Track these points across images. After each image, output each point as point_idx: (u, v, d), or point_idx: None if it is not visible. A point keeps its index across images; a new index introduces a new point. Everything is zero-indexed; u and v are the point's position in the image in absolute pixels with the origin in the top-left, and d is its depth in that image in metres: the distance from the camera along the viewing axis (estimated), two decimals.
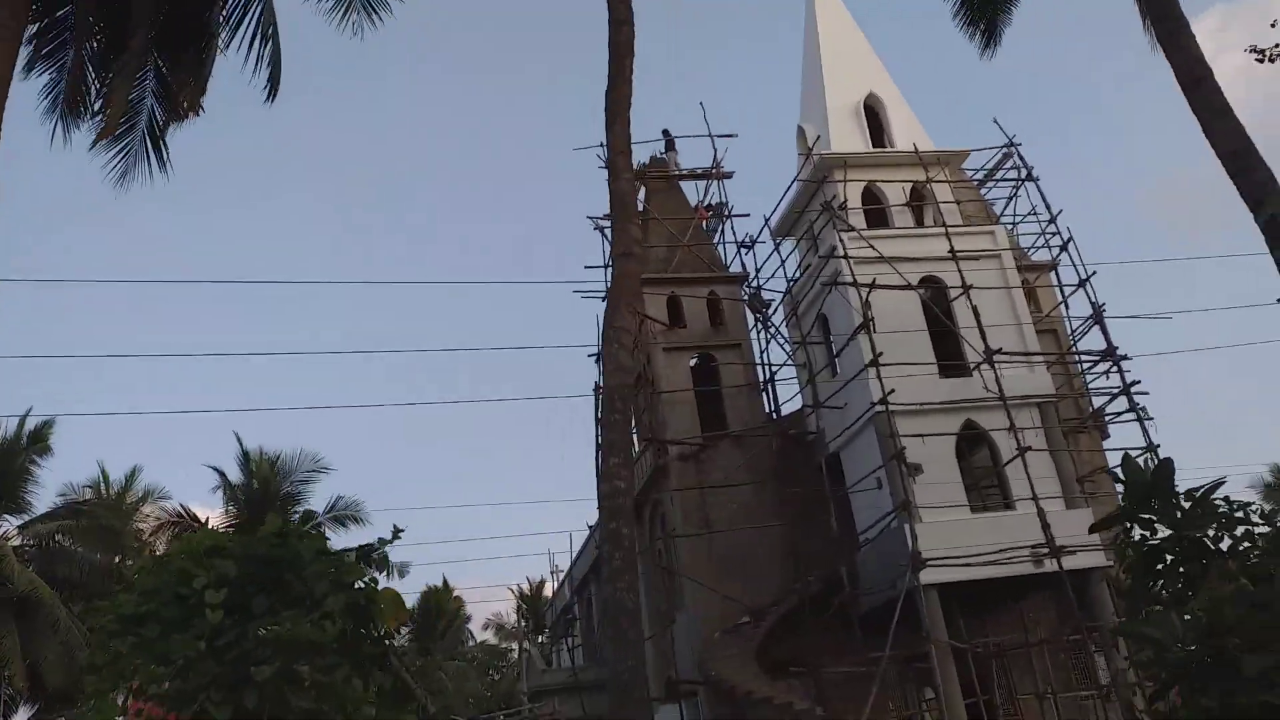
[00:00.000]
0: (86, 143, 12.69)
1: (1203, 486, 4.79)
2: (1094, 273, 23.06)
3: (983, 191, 26.14)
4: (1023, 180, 24.12)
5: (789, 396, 26.40)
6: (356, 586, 5.33)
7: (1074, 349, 23.83)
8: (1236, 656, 3.98)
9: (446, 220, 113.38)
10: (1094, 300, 22.39)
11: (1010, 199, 24.65)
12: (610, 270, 11.22)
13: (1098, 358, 22.46)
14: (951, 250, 21.42)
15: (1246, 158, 9.36)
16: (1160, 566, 4.69)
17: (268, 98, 12.76)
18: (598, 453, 26.31)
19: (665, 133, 28.80)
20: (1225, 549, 4.62)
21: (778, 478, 23.03)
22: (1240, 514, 4.73)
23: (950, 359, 21.66)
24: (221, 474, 31.12)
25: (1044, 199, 23.75)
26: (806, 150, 24.43)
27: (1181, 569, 4.61)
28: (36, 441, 29.54)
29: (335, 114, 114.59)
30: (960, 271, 21.21)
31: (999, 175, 25.72)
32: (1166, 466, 4.99)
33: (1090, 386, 23.92)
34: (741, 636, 20.63)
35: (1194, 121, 10.06)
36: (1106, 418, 23.75)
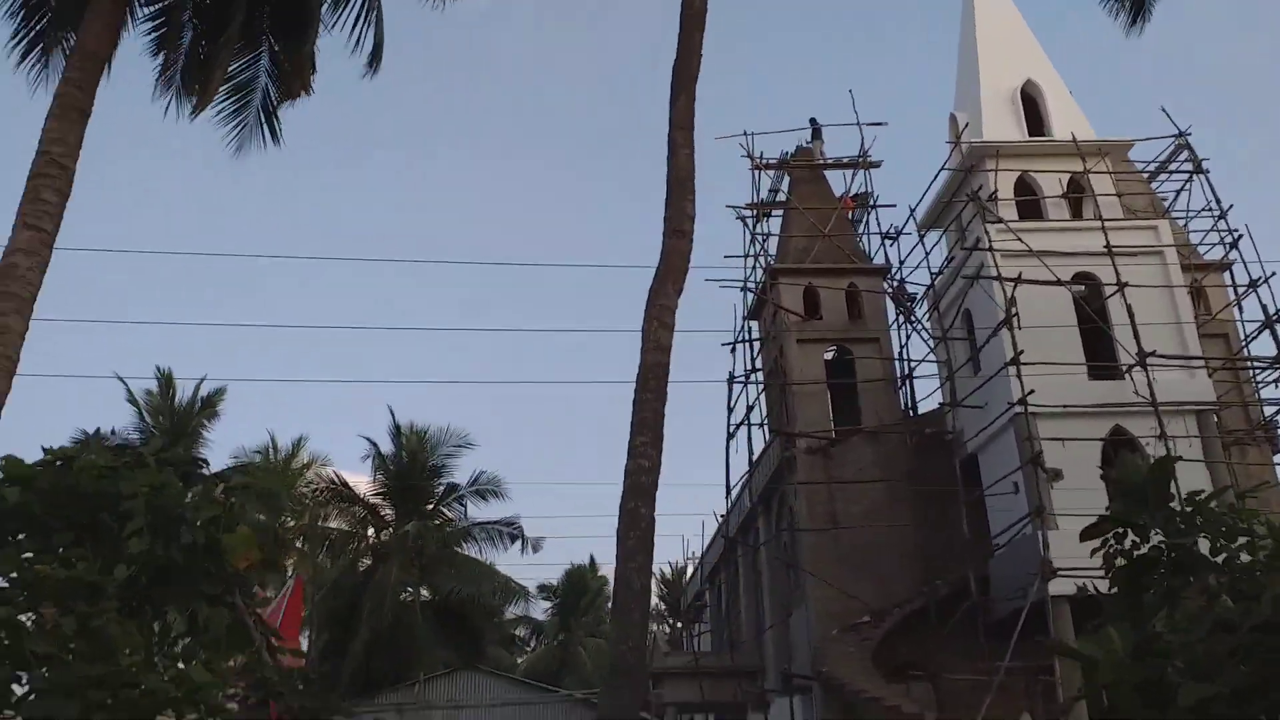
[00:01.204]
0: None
1: (1205, 493, 4.33)
2: (1274, 273, 21.31)
3: (1154, 185, 24.58)
4: (1192, 173, 22.48)
5: (927, 394, 25.66)
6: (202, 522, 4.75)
7: (1245, 354, 22.09)
8: (1173, 684, 3.57)
9: (583, 200, 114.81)
10: (1264, 303, 20.68)
11: (1179, 193, 23.01)
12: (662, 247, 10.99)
13: (1267, 364, 20.72)
14: (1107, 245, 20.19)
15: None
16: (1148, 579, 4.26)
17: (368, 73, 13.43)
18: (727, 442, 26.60)
19: (812, 121, 28.41)
20: (1222, 563, 4.15)
21: (911, 477, 22.37)
22: (1244, 524, 4.25)
23: (1102, 360, 20.47)
24: (374, 444, 32.75)
25: (1214, 193, 22.08)
26: (957, 139, 23.53)
27: (1168, 583, 4.18)
28: (208, 406, 31.85)
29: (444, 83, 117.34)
30: (1116, 268, 19.96)
31: (1171, 168, 24.15)
32: (1164, 466, 4.56)
33: (1262, 395, 22.14)
34: (860, 635, 20.18)
35: None
36: (1278, 430, 21.95)
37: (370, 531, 34.40)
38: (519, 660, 49.41)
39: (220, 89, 13.96)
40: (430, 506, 32.84)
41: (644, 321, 10.58)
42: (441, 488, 32.94)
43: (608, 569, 62.21)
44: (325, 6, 13.07)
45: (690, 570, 40.43)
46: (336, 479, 33.36)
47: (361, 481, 34.12)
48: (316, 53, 14.05)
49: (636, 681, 9.04)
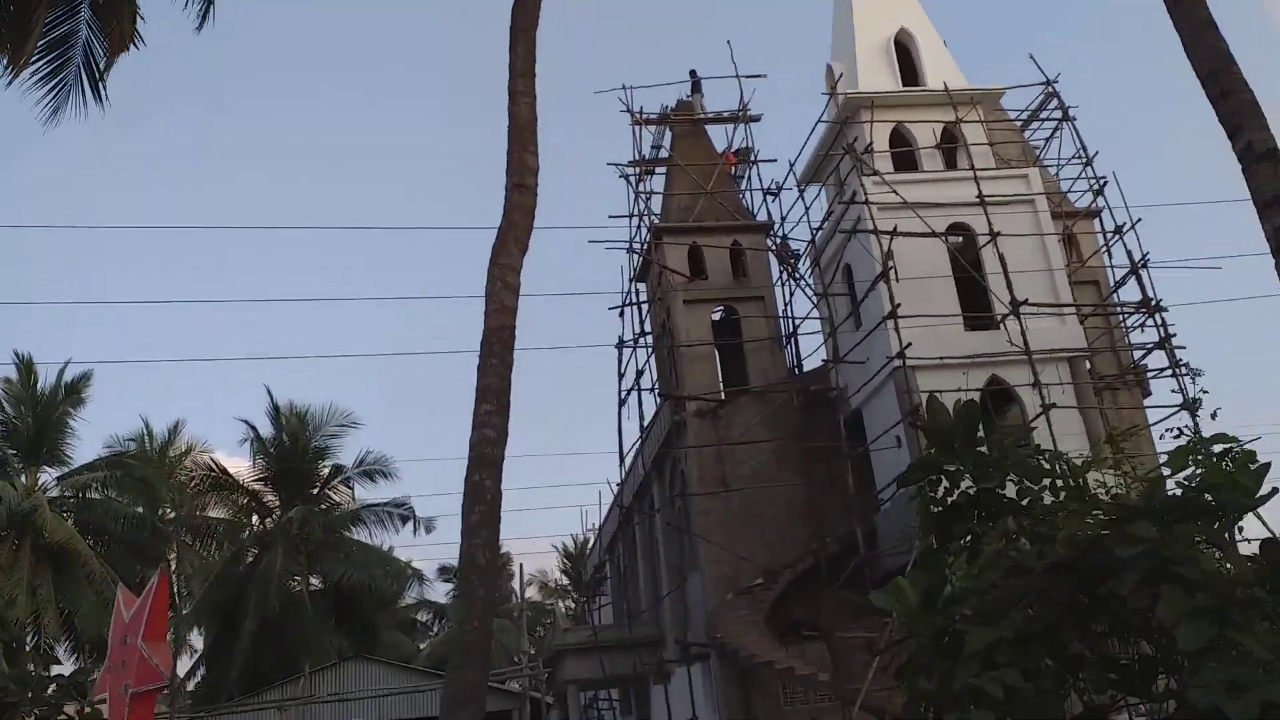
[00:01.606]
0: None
1: (1010, 429, 4.04)
2: (1139, 219, 21.63)
3: (1026, 134, 24.77)
4: (1061, 120, 22.67)
5: (812, 350, 25.57)
6: None
7: (1114, 300, 22.48)
8: (961, 631, 3.24)
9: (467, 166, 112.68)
10: (1129, 249, 21.01)
11: (1048, 141, 23.22)
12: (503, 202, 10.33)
13: (1133, 308, 21.09)
14: (980, 195, 20.21)
15: (1228, 79, 8.27)
16: (958, 526, 3.94)
17: (199, 26, 12.36)
18: (619, 408, 26.15)
19: (692, 74, 27.82)
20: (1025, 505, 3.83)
21: (798, 435, 22.25)
22: (1049, 465, 3.95)
23: (978, 311, 20.55)
24: (252, 427, 31.35)
25: (1080, 141, 22.30)
26: (832, 90, 23.29)
27: (971, 530, 3.86)
28: (73, 393, 29.97)
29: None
30: (988, 217, 20.00)
31: (1042, 116, 24.36)
32: (971, 409, 4.23)
33: (1132, 341, 22.59)
34: (754, 598, 20.02)
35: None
36: (1149, 373, 22.43)
37: (255, 519, 33.06)
38: (421, 646, 48.50)
39: (38, 45, 12.74)
40: (315, 490, 31.64)
41: (487, 282, 9.92)
42: (326, 470, 31.77)
43: (511, 544, 61.49)
44: None
45: (591, 542, 40.08)
46: (215, 465, 31.86)
47: (242, 467, 32.74)
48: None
49: (481, 663, 8.48)
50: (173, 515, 34.51)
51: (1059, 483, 3.90)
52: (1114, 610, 2.82)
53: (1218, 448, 3.37)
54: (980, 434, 4.19)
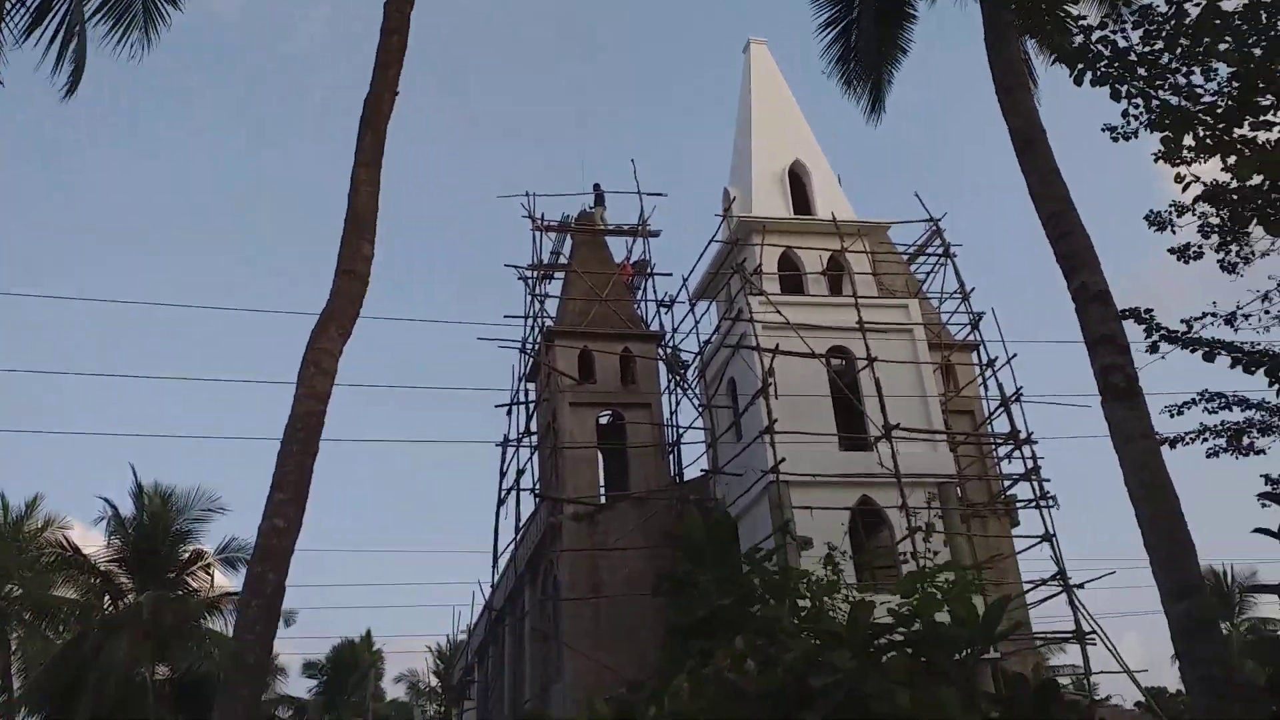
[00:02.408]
0: None
1: (761, 547, 4.14)
2: (1014, 355, 22.67)
3: (912, 267, 25.92)
4: (942, 257, 23.84)
5: (695, 458, 25.79)
6: None
7: (988, 430, 23.32)
8: None
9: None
10: (1000, 382, 21.98)
11: (929, 275, 24.35)
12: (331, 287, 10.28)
13: (1001, 439, 21.92)
14: (860, 321, 20.96)
15: (1066, 223, 8.89)
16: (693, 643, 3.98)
17: (66, 94, 12.26)
18: (497, 508, 25.78)
19: (596, 186, 28.59)
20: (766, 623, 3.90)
21: (675, 544, 22.18)
22: (796, 586, 4.04)
23: (853, 432, 21.07)
24: (111, 505, 29.74)
25: (958, 277, 23.46)
26: (727, 212, 24.10)
27: (701, 646, 3.92)
28: None
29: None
30: (867, 343, 20.71)
31: (928, 251, 25.56)
32: (722, 525, 4.35)
33: (1003, 470, 23.38)
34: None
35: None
36: (1018, 504, 23.17)
37: (106, 601, 31.12)
38: None
39: None
40: (173, 575, 30.02)
41: (301, 366, 9.72)
42: (187, 555, 30.22)
43: (387, 643, 59.07)
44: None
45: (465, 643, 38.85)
46: (65, 542, 30.05)
47: (98, 546, 30.89)
48: None
49: None
50: (19, 594, 32.33)
51: (805, 601, 3.96)
52: None
53: (941, 577, 3.47)
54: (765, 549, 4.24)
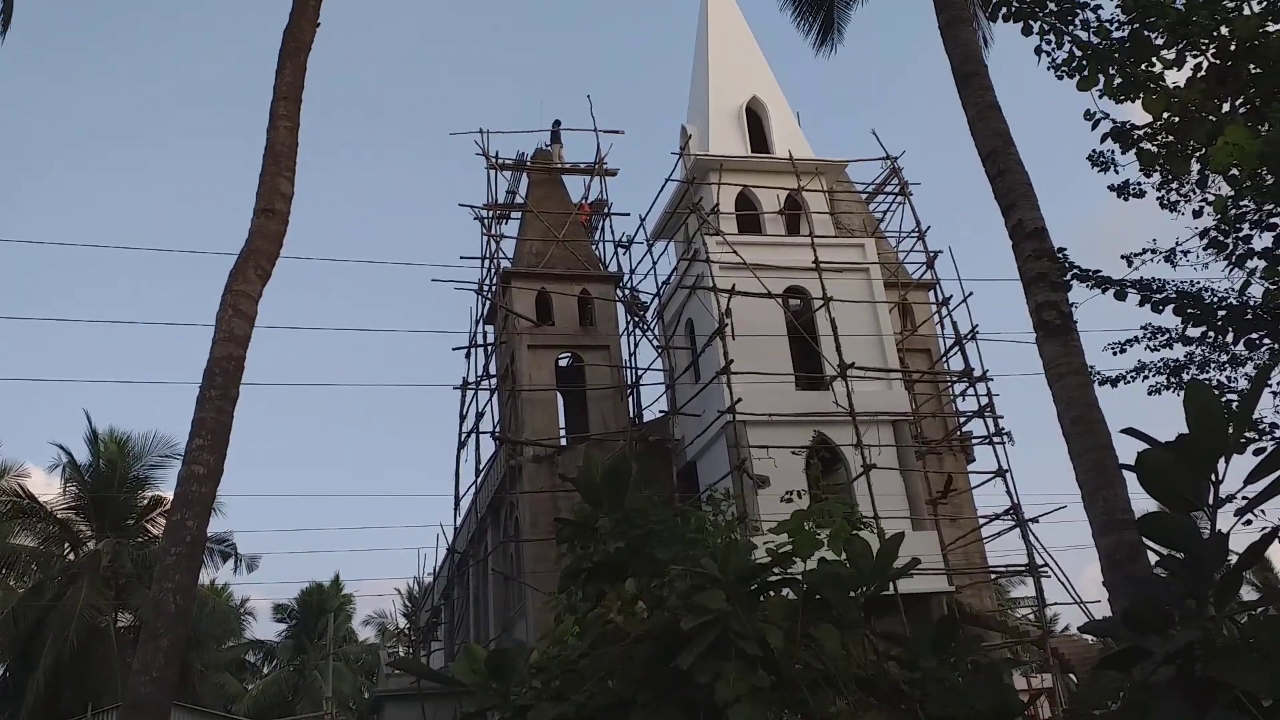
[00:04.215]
0: None
1: (716, 487, 4.15)
2: (970, 293, 22.74)
3: (871, 206, 25.85)
4: (898, 195, 23.77)
5: (654, 399, 25.82)
6: None
7: (944, 368, 23.51)
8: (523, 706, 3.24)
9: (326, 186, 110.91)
10: (954, 321, 22.09)
11: (886, 213, 24.30)
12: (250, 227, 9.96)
13: (956, 377, 22.11)
14: (816, 261, 20.90)
15: (1005, 159, 8.83)
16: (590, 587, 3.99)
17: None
18: (458, 451, 25.73)
19: (556, 123, 28.06)
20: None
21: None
22: (692, 529, 4.05)
23: (810, 372, 21.15)
24: (67, 451, 29.46)
25: (915, 215, 23.43)
26: (683, 150, 23.83)
27: (590, 590, 3.92)
28: None
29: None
30: (823, 283, 20.69)
31: (887, 189, 25.47)
32: (621, 465, 4.30)
33: (959, 407, 23.64)
34: None
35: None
36: (973, 440, 23.47)
37: (67, 549, 30.97)
38: (249, 687, 46.18)
39: None
40: (132, 522, 29.87)
41: (219, 309, 9.50)
42: (145, 501, 30.05)
43: (359, 586, 59.32)
44: None
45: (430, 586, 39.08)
46: (22, 490, 29.75)
47: (56, 494, 30.67)
48: None
49: (155, 715, 7.94)
50: None
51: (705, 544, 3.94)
52: (685, 686, 2.80)
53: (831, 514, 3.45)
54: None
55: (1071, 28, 6.17)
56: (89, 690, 26.65)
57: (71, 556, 30.38)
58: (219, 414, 8.96)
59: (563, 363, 25.01)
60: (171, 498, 8.78)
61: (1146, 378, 10.36)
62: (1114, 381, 10.02)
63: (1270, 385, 8.83)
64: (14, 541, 31.06)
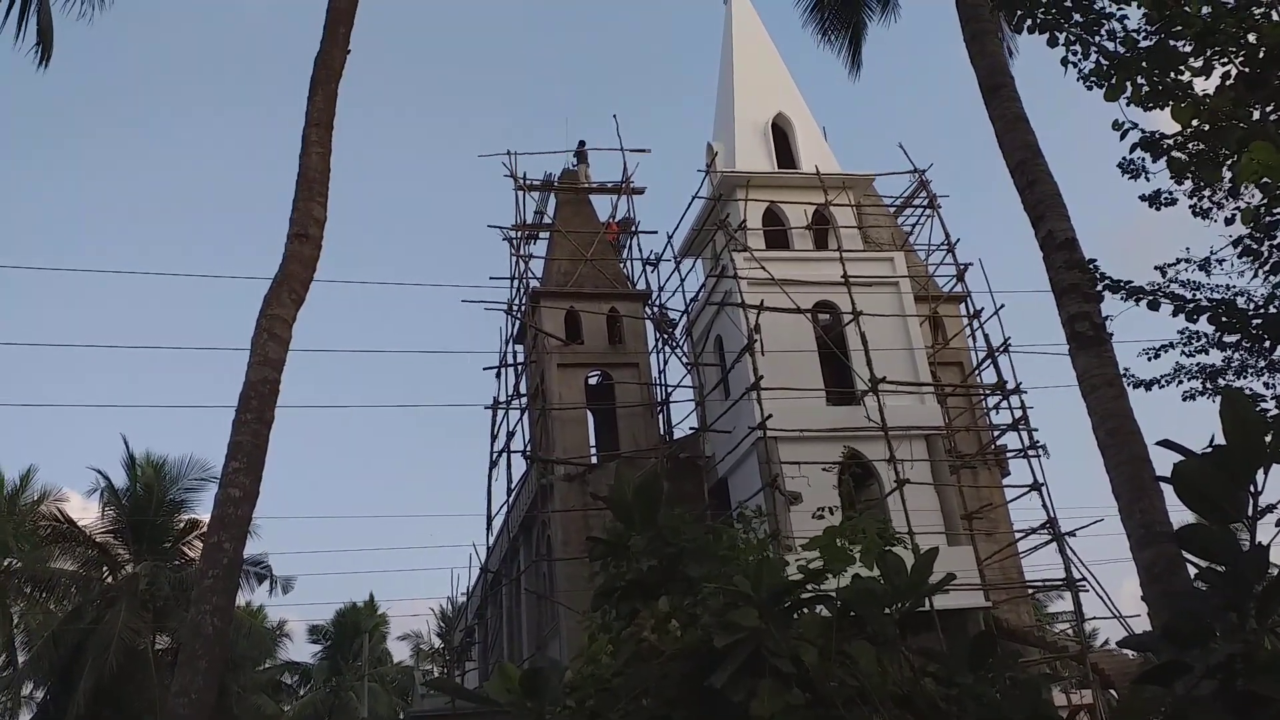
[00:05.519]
0: None
1: (747, 504, 4.13)
2: (1001, 306, 22.59)
3: (899, 220, 25.77)
4: (926, 207, 23.68)
5: (684, 416, 25.81)
6: None
7: (977, 382, 23.32)
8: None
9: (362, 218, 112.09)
10: (987, 333, 21.94)
11: (915, 227, 24.20)
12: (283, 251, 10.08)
13: (989, 391, 21.92)
14: (845, 275, 20.84)
15: (1034, 170, 8.79)
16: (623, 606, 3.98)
17: (41, 64, 12.03)
18: (489, 471, 25.83)
19: (581, 144, 28.25)
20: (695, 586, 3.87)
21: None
22: (727, 548, 4.04)
23: (840, 386, 21.06)
24: (104, 476, 29.85)
25: (944, 228, 23.32)
26: (709, 167, 23.90)
27: (623, 609, 3.91)
28: None
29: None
30: (852, 297, 20.62)
31: (915, 203, 25.39)
32: (653, 483, 4.30)
33: (992, 421, 23.42)
34: None
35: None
36: (1008, 453, 23.23)
37: (105, 573, 31.33)
38: (285, 708, 46.44)
39: None
40: (169, 545, 30.18)
41: (254, 333, 9.62)
42: (182, 524, 30.36)
43: (389, 607, 59.58)
44: None
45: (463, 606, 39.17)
46: (61, 515, 30.18)
47: (95, 518, 31.07)
48: None
49: None
50: (18, 567, 32.54)
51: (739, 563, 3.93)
52: (719, 704, 2.80)
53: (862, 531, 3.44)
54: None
55: (1098, 38, 6.15)
56: (128, 713, 26.89)
57: (110, 580, 30.71)
58: (254, 437, 9.07)
59: (592, 381, 25.06)
60: (208, 521, 8.88)
61: (1181, 382, 10.19)
62: (1148, 385, 9.86)
63: None
64: (54, 565, 31.49)
